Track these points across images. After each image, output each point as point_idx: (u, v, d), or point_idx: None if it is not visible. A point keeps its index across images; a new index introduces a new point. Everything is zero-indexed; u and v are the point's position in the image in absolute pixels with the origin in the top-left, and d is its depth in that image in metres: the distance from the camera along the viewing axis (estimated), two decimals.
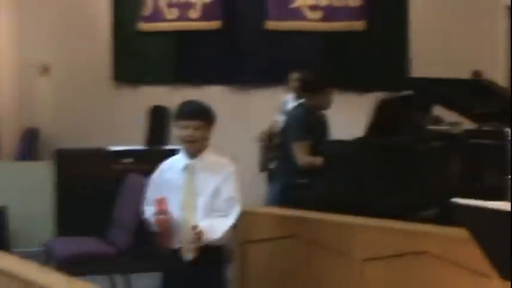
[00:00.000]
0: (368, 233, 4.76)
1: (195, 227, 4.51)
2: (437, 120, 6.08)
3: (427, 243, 4.57)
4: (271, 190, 7.47)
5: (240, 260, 5.21)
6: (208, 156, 4.73)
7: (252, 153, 8.44)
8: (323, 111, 6.22)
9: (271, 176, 7.60)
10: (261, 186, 7.67)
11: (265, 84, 8.93)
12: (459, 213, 2.89)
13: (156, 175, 4.85)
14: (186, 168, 4.70)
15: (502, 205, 2.93)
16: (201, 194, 4.65)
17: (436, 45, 8.13)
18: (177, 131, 4.73)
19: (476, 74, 5.03)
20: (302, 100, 6.24)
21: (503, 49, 7.85)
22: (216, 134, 8.72)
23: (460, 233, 4.46)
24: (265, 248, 5.14)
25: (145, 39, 9.29)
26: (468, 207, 2.84)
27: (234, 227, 4.74)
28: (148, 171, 5.67)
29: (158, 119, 9.22)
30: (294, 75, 7.50)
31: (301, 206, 5.27)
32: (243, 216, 4.92)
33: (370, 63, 8.41)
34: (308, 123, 5.98)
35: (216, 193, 4.65)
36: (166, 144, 8.74)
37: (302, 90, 6.16)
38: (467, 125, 5.97)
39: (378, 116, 5.42)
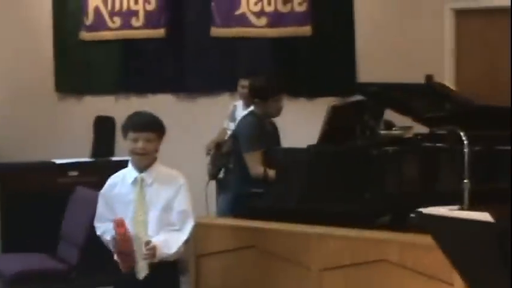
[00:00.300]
0: (325, 242, 4.69)
1: (148, 243, 4.39)
2: (389, 125, 6.02)
3: (385, 251, 4.51)
4: (222, 200, 7.37)
5: (195, 273, 5.10)
6: (158, 169, 4.62)
7: (201, 161, 8.31)
8: (273, 119, 6.14)
9: (222, 185, 7.51)
10: (211, 195, 7.58)
11: (213, 91, 8.81)
12: (424, 222, 2.81)
13: (105, 190, 4.71)
14: (136, 182, 4.57)
15: (466, 214, 2.87)
16: (152, 208, 4.54)
17: (383, 48, 8.08)
18: (127, 143, 4.60)
19: (429, 78, 4.97)
20: (252, 108, 6.14)
21: (449, 52, 7.84)
22: (163, 143, 8.63)
23: (417, 239, 4.44)
24: (221, 261, 5.04)
25: (88, 48, 9.10)
26: (433, 217, 2.77)
27: (188, 240, 4.63)
28: (95, 183, 5.56)
29: (104, 129, 9.07)
30: (243, 82, 7.40)
31: (255, 216, 5.16)
32: (198, 229, 4.82)
33: (318, 68, 8.32)
34: (259, 132, 5.89)
35: (167, 207, 4.54)
36: (112, 155, 8.61)
37: (252, 98, 6.06)
38: (420, 129, 5.96)
39: (330, 123, 5.34)
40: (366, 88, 5.42)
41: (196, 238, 4.97)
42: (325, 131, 5.34)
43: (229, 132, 7.46)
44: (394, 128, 5.93)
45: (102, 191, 4.70)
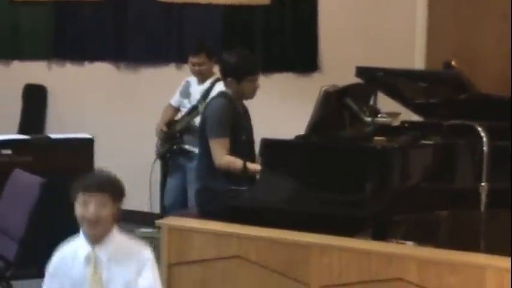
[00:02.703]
0: (327, 254, 4.01)
1: None
2: (375, 111, 5.42)
3: (402, 269, 3.87)
4: (174, 186, 6.74)
5: (166, 285, 4.31)
6: (116, 241, 3.67)
7: (142, 138, 7.69)
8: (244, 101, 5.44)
9: (173, 167, 6.84)
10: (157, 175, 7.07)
11: (157, 62, 8.06)
12: None
13: (53, 267, 3.72)
14: (89, 259, 3.64)
15: None
16: None
17: (349, 23, 7.39)
18: (78, 208, 3.70)
19: (448, 65, 4.37)
20: (222, 88, 5.42)
21: (421, 28, 7.22)
22: (99, 117, 7.85)
23: (440, 255, 3.86)
24: (200, 272, 4.30)
25: (19, 9, 8.27)
26: None
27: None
28: (32, 164, 4.86)
29: (34, 100, 8.29)
30: (193, 59, 6.70)
31: (238, 218, 4.45)
32: (172, 232, 4.13)
33: (276, 41, 7.59)
34: (230, 117, 5.17)
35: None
36: (42, 130, 7.82)
37: (224, 76, 5.31)
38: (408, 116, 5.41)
39: (323, 111, 4.66)
40: (370, 73, 4.74)
41: (170, 243, 4.24)
42: (317, 119, 4.65)
43: (183, 110, 6.81)
44: (380, 115, 5.34)
45: (50, 268, 3.72)
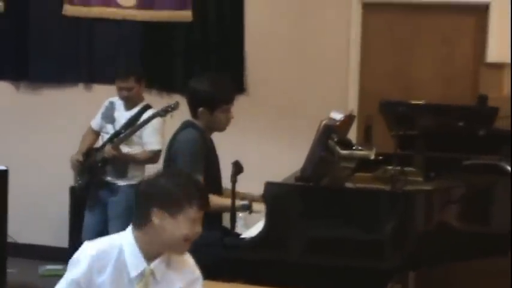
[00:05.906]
0: None
1: None
2: (348, 143, 4.97)
3: None
4: (94, 222, 6.10)
5: None
6: (170, 257, 3.12)
7: (46, 168, 7.17)
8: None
9: (92, 202, 6.17)
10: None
11: (63, 82, 7.33)
12: None
13: (83, 273, 3.02)
14: (142, 275, 3.04)
15: None
16: None
17: (275, 40, 6.92)
18: (182, 226, 3.03)
19: (482, 98, 3.99)
20: (190, 119, 4.78)
21: (355, 48, 6.83)
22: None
23: None
24: None
25: None
26: None
27: None
28: None
29: None
30: (121, 84, 6.09)
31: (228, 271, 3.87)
32: None
33: (199, 61, 6.99)
34: (204, 152, 4.59)
35: None
36: None
37: (196, 106, 4.67)
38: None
39: (323, 147, 4.14)
40: (393, 108, 4.28)
41: None
42: (320, 158, 4.12)
43: (105, 136, 6.15)
44: (354, 148, 4.89)
45: (77, 273, 3.01)
